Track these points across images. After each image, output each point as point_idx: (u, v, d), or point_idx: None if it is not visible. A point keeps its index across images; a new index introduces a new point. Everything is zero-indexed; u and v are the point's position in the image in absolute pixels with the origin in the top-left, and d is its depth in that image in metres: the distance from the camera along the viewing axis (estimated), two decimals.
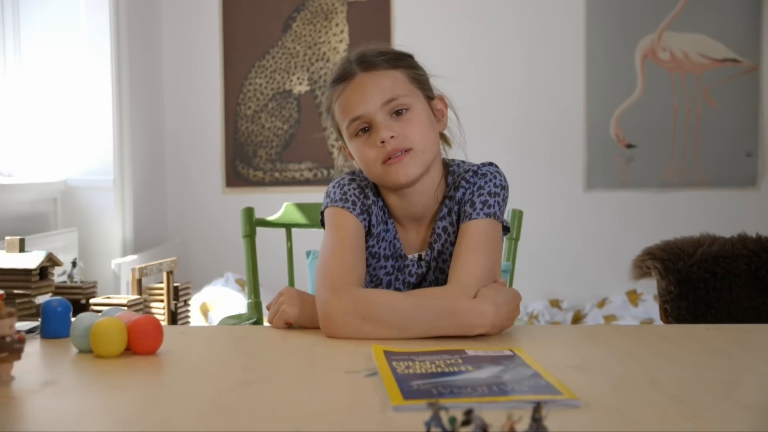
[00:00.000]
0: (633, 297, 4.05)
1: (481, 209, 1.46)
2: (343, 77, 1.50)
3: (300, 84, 4.32)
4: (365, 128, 1.47)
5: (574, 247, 4.33)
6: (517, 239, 1.95)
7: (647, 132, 4.31)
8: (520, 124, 4.31)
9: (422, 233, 1.54)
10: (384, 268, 1.53)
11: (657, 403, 0.93)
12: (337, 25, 4.30)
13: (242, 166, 4.34)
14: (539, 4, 4.32)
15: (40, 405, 0.95)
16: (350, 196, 1.51)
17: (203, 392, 1.00)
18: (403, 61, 1.52)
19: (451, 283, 1.38)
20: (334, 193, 1.53)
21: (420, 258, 1.53)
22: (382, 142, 1.44)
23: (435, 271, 1.52)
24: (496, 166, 1.53)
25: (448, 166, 1.57)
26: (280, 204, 2.11)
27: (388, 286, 1.53)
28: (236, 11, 4.30)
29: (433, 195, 1.52)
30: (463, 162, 1.57)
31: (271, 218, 2.06)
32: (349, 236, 1.46)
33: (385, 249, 1.53)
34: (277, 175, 4.33)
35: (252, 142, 4.33)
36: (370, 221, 1.51)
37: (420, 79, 1.52)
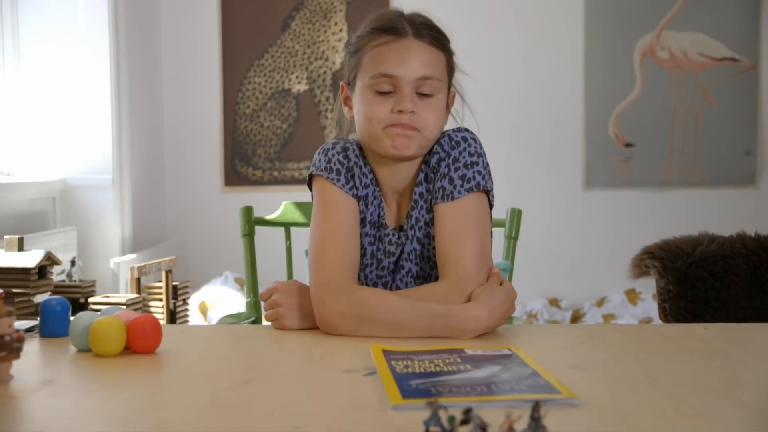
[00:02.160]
0: (632, 296, 4.05)
1: (461, 185, 1.43)
2: (392, 30, 1.45)
3: (299, 83, 4.32)
4: (387, 91, 1.42)
5: (573, 246, 4.34)
6: (516, 238, 1.95)
7: (646, 131, 4.31)
8: (519, 123, 4.31)
9: (403, 204, 1.51)
10: (368, 236, 1.50)
11: (656, 402, 0.93)
12: (336, 24, 4.30)
13: (241, 165, 4.33)
14: (538, 3, 4.32)
15: (39, 404, 0.95)
16: (334, 163, 1.48)
17: (202, 391, 1.00)
18: (447, 46, 1.49)
19: (446, 279, 1.37)
20: (319, 160, 1.50)
21: (401, 229, 1.50)
22: (400, 111, 1.41)
23: (413, 241, 1.49)
24: (470, 132, 1.49)
25: None
26: (279, 203, 2.11)
27: (372, 256, 1.50)
28: (235, 10, 4.30)
29: (416, 170, 1.49)
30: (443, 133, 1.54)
31: (270, 217, 2.06)
32: (340, 218, 1.43)
33: (372, 215, 1.50)
34: (276, 174, 4.33)
35: (251, 141, 4.33)
36: (355, 185, 1.48)
37: (452, 69, 1.51)
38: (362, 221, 1.49)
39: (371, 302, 1.30)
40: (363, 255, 1.50)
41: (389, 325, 1.28)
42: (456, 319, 1.28)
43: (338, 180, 1.47)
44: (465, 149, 1.46)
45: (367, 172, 1.50)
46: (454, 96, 1.54)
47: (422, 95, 1.43)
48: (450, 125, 1.55)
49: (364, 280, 1.52)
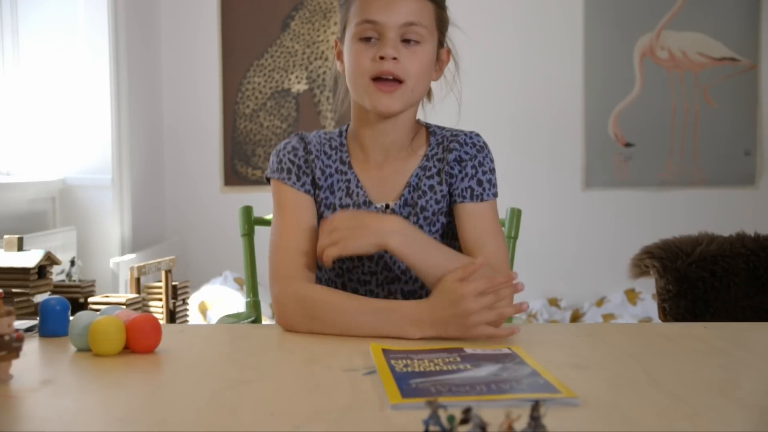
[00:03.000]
0: (631, 296, 4.05)
1: (489, 189, 1.47)
2: None
3: (299, 83, 4.32)
4: (371, 38, 1.43)
5: (572, 246, 4.34)
6: (515, 238, 1.95)
7: (646, 131, 4.32)
8: (518, 123, 4.31)
9: (390, 184, 1.50)
10: None
11: (655, 402, 0.93)
12: (335, 23, 4.30)
13: (241, 165, 4.33)
14: (538, 3, 4.32)
15: (39, 403, 0.95)
16: (285, 163, 1.49)
17: (202, 391, 1.00)
18: None
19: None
20: (272, 162, 1.52)
21: (387, 207, 1.49)
22: (382, 57, 1.40)
23: None
24: (481, 136, 1.53)
25: (426, 126, 1.56)
26: None
27: None
28: (235, 10, 4.30)
29: (404, 132, 1.49)
30: (442, 127, 1.55)
31: (269, 217, 2.05)
32: (292, 216, 1.45)
33: (341, 198, 1.49)
34: None
35: (251, 141, 4.33)
36: (313, 177, 1.49)
37: (443, 22, 1.50)
38: (331, 206, 1.49)
39: (318, 302, 1.31)
40: None
41: (338, 324, 1.29)
42: (398, 315, 1.26)
43: (289, 179, 1.48)
44: (487, 156, 1.50)
45: (333, 160, 1.50)
46: (448, 53, 1.53)
47: (408, 42, 1.42)
48: (442, 89, 1.55)
49: (339, 265, 1.50)
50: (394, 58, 1.40)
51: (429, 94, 1.58)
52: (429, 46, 1.45)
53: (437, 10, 1.47)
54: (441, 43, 1.50)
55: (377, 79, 1.42)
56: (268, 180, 1.53)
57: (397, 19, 1.41)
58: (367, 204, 1.48)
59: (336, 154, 1.52)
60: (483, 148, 1.50)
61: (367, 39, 1.43)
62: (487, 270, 1.28)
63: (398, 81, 1.42)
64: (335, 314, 1.30)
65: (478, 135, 1.52)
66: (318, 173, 1.49)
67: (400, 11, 1.41)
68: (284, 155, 1.50)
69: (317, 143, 1.52)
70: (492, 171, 1.49)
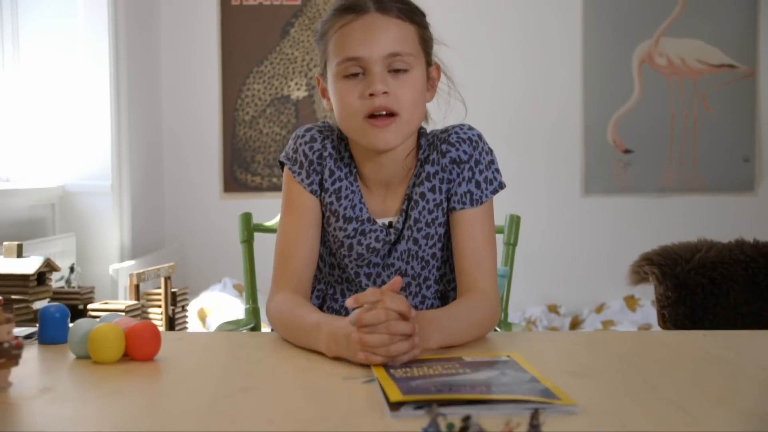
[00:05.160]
0: (631, 302, 4.05)
1: (486, 188, 1.42)
2: (353, 8, 1.36)
3: (298, 89, 4.32)
4: (357, 73, 1.35)
5: (571, 252, 4.34)
6: (514, 244, 1.95)
7: (645, 137, 4.32)
8: (517, 129, 4.31)
9: (390, 199, 1.46)
10: (344, 231, 1.44)
11: (655, 410, 0.93)
12: None
13: (240, 172, 4.34)
14: (536, 10, 4.32)
15: (38, 411, 0.95)
16: (300, 153, 1.44)
17: (201, 398, 0.99)
18: (419, 17, 1.41)
19: (474, 290, 1.36)
20: (289, 147, 1.47)
21: (390, 225, 1.45)
22: (372, 94, 1.33)
23: (408, 241, 1.44)
24: (472, 127, 1.46)
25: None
26: (277, 209, 2.10)
27: (350, 249, 1.44)
28: (235, 17, 4.30)
29: (402, 161, 1.44)
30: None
31: (268, 223, 2.06)
32: (295, 217, 1.43)
33: (346, 209, 1.44)
34: (275, 180, 4.33)
35: (250, 148, 4.33)
36: (322, 177, 1.44)
37: (427, 42, 1.42)
38: (335, 214, 1.45)
39: (281, 313, 1.33)
40: (341, 247, 1.46)
41: (289, 337, 1.29)
42: (317, 331, 1.21)
43: (299, 173, 1.44)
44: (482, 148, 1.44)
45: (342, 165, 1.45)
46: (438, 68, 1.47)
47: (396, 72, 1.35)
48: (439, 98, 1.49)
49: (339, 274, 1.49)
50: (385, 93, 1.33)
51: (426, 116, 1.49)
52: (418, 70, 1.38)
53: (419, 31, 1.40)
54: (429, 62, 1.43)
55: (370, 115, 1.35)
56: (281, 164, 1.48)
57: (380, 51, 1.33)
58: (371, 221, 1.45)
59: (348, 158, 1.46)
60: (478, 142, 1.43)
61: (353, 75, 1.35)
62: (394, 300, 1.13)
63: (392, 114, 1.35)
64: (286, 328, 1.30)
65: (470, 128, 1.45)
66: (327, 174, 1.44)
67: (382, 42, 1.34)
68: (300, 145, 1.45)
69: (335, 141, 1.45)
70: (490, 165, 1.43)
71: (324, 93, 1.45)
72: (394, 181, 1.46)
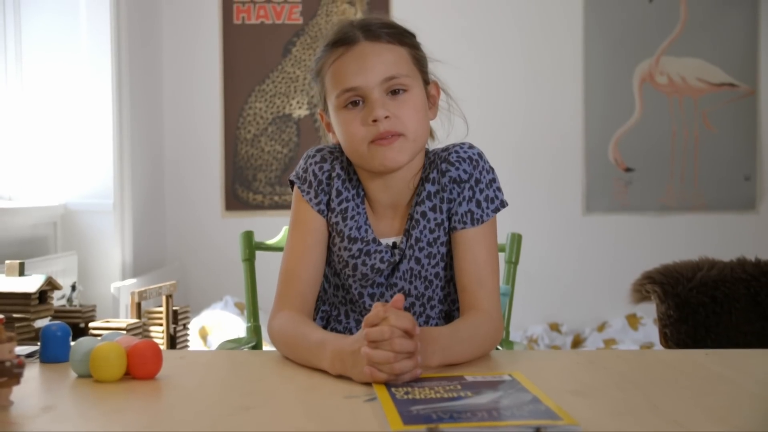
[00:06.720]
0: (633, 321, 4.04)
1: (487, 207, 1.42)
2: (343, 41, 1.39)
3: (300, 108, 4.34)
4: (356, 102, 1.38)
5: (573, 271, 4.33)
6: (516, 263, 1.95)
7: (646, 156, 4.33)
8: (519, 148, 4.32)
9: (396, 220, 1.47)
10: (349, 251, 1.45)
11: (657, 429, 0.92)
12: None
13: (242, 190, 4.34)
14: (537, 29, 4.35)
15: (40, 430, 0.95)
16: (310, 173, 1.46)
17: (203, 417, 0.99)
18: (409, 39, 1.43)
19: (477, 309, 1.36)
20: (299, 166, 1.49)
21: (394, 245, 1.46)
22: (375, 120, 1.35)
23: (410, 260, 1.45)
24: (473, 146, 1.46)
25: None
26: (279, 227, 2.11)
27: (354, 269, 1.45)
28: (236, 36, 4.33)
29: (408, 182, 1.45)
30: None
31: (270, 242, 2.06)
32: (301, 237, 1.44)
33: (351, 229, 1.45)
34: (276, 198, 4.34)
35: (252, 166, 4.34)
36: (330, 197, 1.45)
37: (421, 61, 1.45)
38: (341, 234, 1.46)
39: (283, 332, 1.33)
40: (345, 267, 1.47)
41: (291, 356, 1.30)
42: (322, 349, 1.21)
43: (308, 193, 1.46)
44: (483, 167, 1.44)
45: (350, 186, 1.46)
46: (437, 86, 1.49)
47: (395, 94, 1.38)
48: (441, 116, 1.51)
49: (343, 294, 1.49)
50: (387, 117, 1.36)
51: (431, 134, 1.52)
52: (416, 89, 1.41)
53: (411, 52, 1.43)
54: (426, 80, 1.46)
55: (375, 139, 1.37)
56: (291, 183, 1.50)
57: (375, 78, 1.37)
58: (376, 242, 1.45)
59: (356, 180, 1.47)
60: (478, 161, 1.44)
61: (354, 104, 1.38)
62: (399, 317, 1.13)
63: (398, 135, 1.37)
64: (289, 346, 1.31)
65: (471, 146, 1.46)
66: (334, 194, 1.46)
67: (376, 68, 1.37)
68: (311, 165, 1.47)
69: (344, 163, 1.47)
70: (489, 183, 1.43)
71: (329, 127, 1.48)
72: (400, 202, 1.47)
